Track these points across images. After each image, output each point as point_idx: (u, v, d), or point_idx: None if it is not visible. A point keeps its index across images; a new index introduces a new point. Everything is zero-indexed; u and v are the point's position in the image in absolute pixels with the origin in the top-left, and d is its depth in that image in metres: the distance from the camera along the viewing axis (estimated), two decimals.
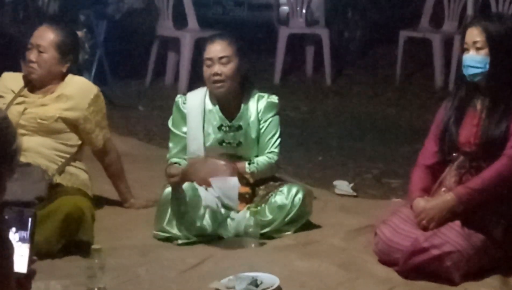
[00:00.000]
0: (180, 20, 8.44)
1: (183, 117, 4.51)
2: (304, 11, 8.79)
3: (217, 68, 4.41)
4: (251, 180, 4.45)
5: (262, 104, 4.51)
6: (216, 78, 4.41)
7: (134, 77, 8.63)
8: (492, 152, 3.91)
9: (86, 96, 4.54)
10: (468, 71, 3.96)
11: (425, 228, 3.92)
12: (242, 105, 4.50)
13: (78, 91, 4.54)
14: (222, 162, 4.45)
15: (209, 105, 4.50)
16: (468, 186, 3.89)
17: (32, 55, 4.49)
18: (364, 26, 9.51)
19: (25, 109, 4.46)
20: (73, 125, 4.50)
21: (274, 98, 4.55)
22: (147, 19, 8.90)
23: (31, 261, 2.27)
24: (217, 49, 4.44)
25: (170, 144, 4.56)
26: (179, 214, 4.32)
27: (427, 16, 8.64)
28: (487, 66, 3.91)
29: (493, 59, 3.90)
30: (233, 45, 4.47)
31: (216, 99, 4.50)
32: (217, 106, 4.50)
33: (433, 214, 3.91)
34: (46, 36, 4.51)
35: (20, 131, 4.31)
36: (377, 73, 9.00)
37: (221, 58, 4.42)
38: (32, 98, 4.51)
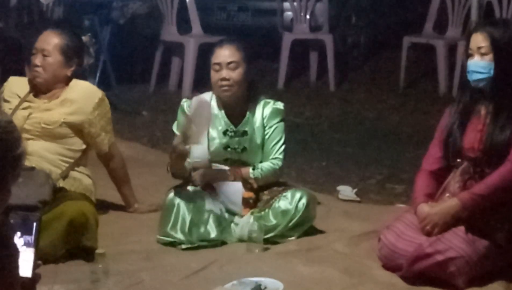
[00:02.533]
0: (184, 26, 8.45)
1: None
2: (308, 16, 8.80)
3: (225, 73, 4.42)
4: (255, 185, 4.45)
5: (268, 110, 4.52)
6: (224, 82, 4.42)
7: (138, 82, 8.64)
8: (496, 157, 3.91)
9: (91, 100, 4.55)
10: (472, 77, 3.96)
11: (429, 234, 3.92)
12: (248, 111, 4.51)
13: (82, 95, 4.54)
14: (226, 167, 4.46)
15: (215, 109, 4.51)
16: (473, 191, 3.89)
17: (37, 60, 4.50)
18: (368, 31, 9.51)
19: (30, 114, 4.47)
20: (78, 130, 4.51)
21: (280, 105, 4.55)
22: (151, 24, 8.91)
23: (35, 266, 2.28)
24: (225, 54, 4.44)
25: None
26: (183, 219, 4.32)
27: (431, 22, 8.64)
28: (492, 71, 3.91)
29: (498, 65, 3.90)
30: (241, 50, 4.47)
31: (222, 104, 4.51)
32: (223, 111, 4.50)
33: (437, 220, 3.91)
34: (50, 40, 4.53)
35: (25, 135, 4.32)
36: (380, 78, 9.01)
37: (229, 63, 4.42)
38: (37, 103, 4.52)
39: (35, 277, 2.28)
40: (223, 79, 4.41)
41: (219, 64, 4.44)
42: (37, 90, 4.56)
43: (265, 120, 4.51)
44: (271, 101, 4.55)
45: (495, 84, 3.92)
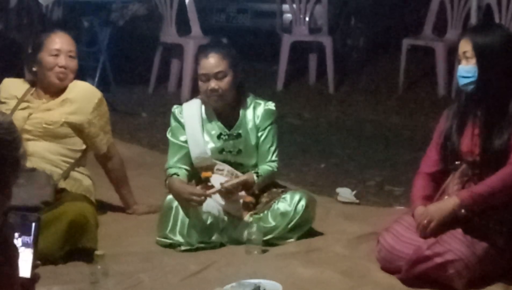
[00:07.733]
0: (183, 27, 8.45)
1: (181, 126, 4.51)
2: (307, 18, 8.80)
3: (213, 83, 4.38)
4: (256, 191, 4.46)
5: (259, 111, 4.51)
6: (214, 93, 4.40)
7: (138, 83, 8.64)
8: (495, 161, 3.91)
9: (90, 100, 4.55)
10: (460, 81, 4.01)
11: (424, 228, 3.91)
12: (240, 113, 4.50)
13: (82, 95, 4.55)
14: (228, 167, 4.43)
15: (206, 115, 4.50)
16: (472, 190, 3.89)
17: (63, 61, 4.50)
18: (367, 34, 9.52)
19: (30, 114, 4.47)
20: (78, 130, 4.51)
21: (271, 105, 4.54)
22: (150, 26, 8.93)
23: (34, 266, 2.27)
24: (211, 64, 4.40)
25: (169, 154, 4.54)
26: (182, 221, 4.32)
27: (430, 24, 8.64)
28: (476, 75, 3.94)
29: (481, 68, 3.93)
30: (227, 57, 4.42)
31: (213, 109, 4.50)
32: (215, 116, 4.49)
33: (433, 213, 3.90)
34: (71, 42, 4.56)
35: (26, 136, 4.32)
36: (380, 81, 9.00)
37: (216, 73, 4.40)
38: (36, 103, 4.52)
39: (34, 277, 2.28)
40: (212, 90, 4.39)
41: (206, 75, 4.41)
42: (36, 90, 4.55)
43: (257, 122, 4.49)
44: (262, 102, 4.54)
45: (480, 88, 3.95)
